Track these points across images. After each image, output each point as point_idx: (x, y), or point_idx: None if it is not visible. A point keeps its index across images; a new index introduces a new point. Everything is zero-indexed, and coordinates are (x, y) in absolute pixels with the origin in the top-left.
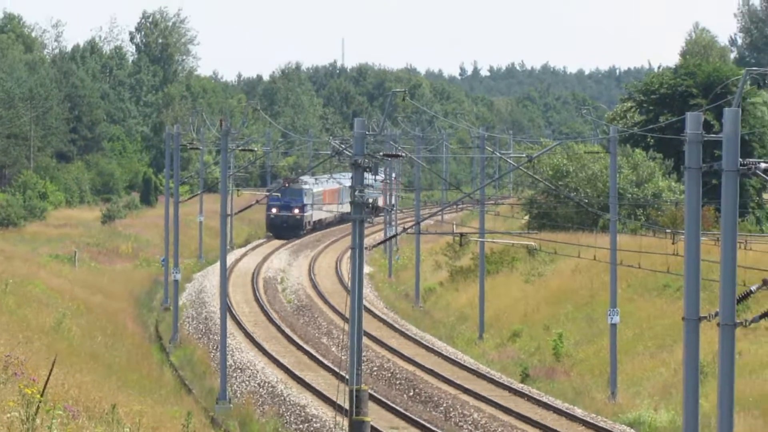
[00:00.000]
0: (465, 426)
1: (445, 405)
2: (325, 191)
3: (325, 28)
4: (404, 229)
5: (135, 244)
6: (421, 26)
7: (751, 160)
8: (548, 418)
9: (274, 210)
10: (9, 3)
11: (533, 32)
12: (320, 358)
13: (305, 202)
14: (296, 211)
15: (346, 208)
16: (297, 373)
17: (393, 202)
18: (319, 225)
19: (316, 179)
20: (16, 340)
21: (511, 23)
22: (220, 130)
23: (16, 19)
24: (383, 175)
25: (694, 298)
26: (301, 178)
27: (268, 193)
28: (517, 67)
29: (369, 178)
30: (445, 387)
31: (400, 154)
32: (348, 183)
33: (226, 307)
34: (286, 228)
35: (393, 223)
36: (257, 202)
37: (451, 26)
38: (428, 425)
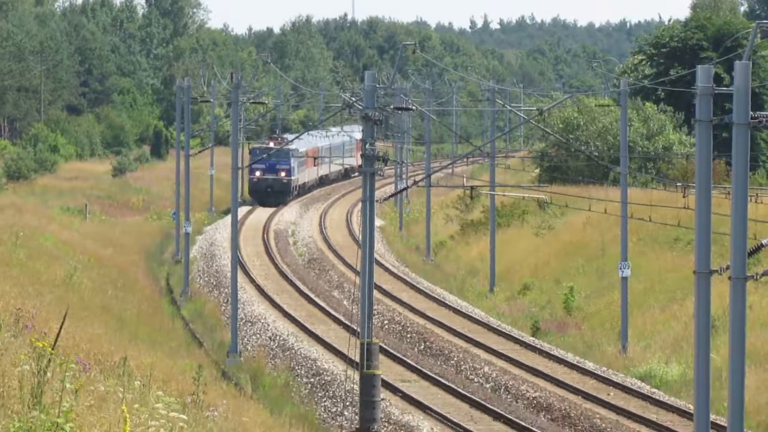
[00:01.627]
0: (476, 379)
1: (456, 358)
2: (307, 150)
3: None
4: (415, 182)
5: (146, 197)
6: None
7: (762, 113)
8: (559, 372)
9: (257, 173)
10: None
11: None
12: (331, 311)
13: (292, 164)
14: (283, 174)
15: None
16: (308, 326)
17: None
18: (303, 188)
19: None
20: (27, 293)
21: None
22: (231, 83)
23: None
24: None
25: (705, 251)
26: (284, 135)
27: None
28: (528, 20)
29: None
30: (455, 340)
31: (410, 107)
32: (336, 138)
33: (237, 261)
34: (270, 193)
35: (404, 176)
36: (276, 149)
37: None
38: (439, 378)
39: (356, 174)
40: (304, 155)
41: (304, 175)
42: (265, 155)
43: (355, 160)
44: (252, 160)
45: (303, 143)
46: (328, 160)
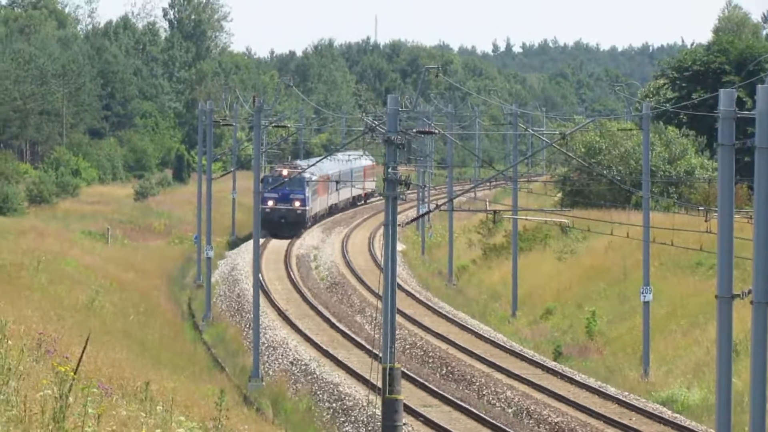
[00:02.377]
0: (498, 404)
1: (478, 383)
2: (320, 178)
3: (358, 4)
4: (437, 206)
5: (167, 221)
6: (454, 3)
7: None
8: (581, 396)
9: (270, 203)
10: None
11: (566, 9)
12: (353, 336)
13: (307, 194)
14: (297, 204)
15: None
16: (330, 351)
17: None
18: (315, 219)
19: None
20: (49, 317)
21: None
22: (253, 106)
23: None
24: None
25: (727, 275)
26: (297, 162)
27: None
28: (550, 44)
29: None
30: (478, 365)
31: (433, 131)
32: (351, 163)
33: (259, 285)
34: (284, 225)
35: (426, 200)
36: (290, 178)
37: (483, 3)
38: (461, 403)
39: (362, 203)
40: (317, 183)
41: (317, 204)
42: (278, 183)
43: (363, 188)
44: (263, 189)
45: (315, 169)
46: (337, 188)
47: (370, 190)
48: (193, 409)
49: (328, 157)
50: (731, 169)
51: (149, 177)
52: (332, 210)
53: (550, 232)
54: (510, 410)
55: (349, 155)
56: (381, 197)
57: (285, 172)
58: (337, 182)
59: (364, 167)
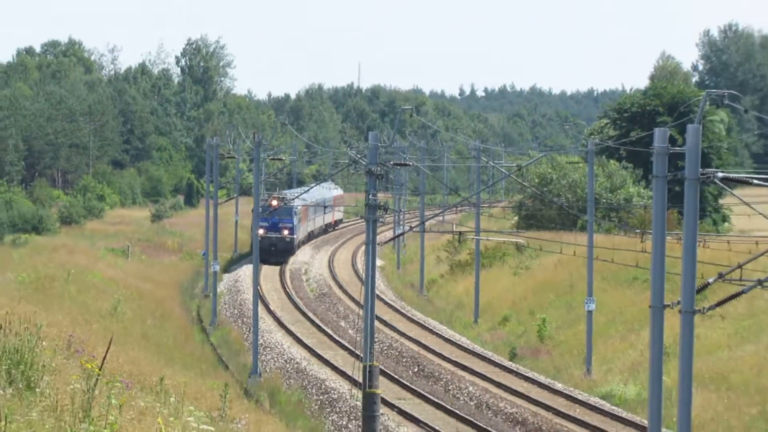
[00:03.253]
0: (461, 397)
1: (445, 379)
2: (302, 207)
3: (343, 53)
4: (411, 228)
5: (179, 239)
6: (427, 52)
7: (709, 170)
8: (533, 392)
9: (260, 231)
10: (72, 30)
11: (522, 57)
12: (338, 338)
13: (295, 223)
14: (286, 232)
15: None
16: (318, 351)
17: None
18: (299, 245)
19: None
20: (77, 322)
21: (503, 50)
22: (253, 141)
23: (77, 44)
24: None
25: (659, 288)
26: (331, 187)
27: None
28: (509, 89)
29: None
30: (445, 364)
31: (407, 163)
32: (324, 193)
33: (258, 295)
34: (274, 252)
35: (401, 222)
36: (286, 203)
37: (452, 53)
38: (430, 396)
39: (332, 229)
40: (300, 212)
41: (300, 232)
42: (267, 213)
43: (332, 216)
44: (254, 221)
45: (298, 200)
46: (314, 216)
47: (336, 220)
48: (201, 400)
49: (307, 188)
50: (664, 198)
51: (164, 202)
52: (310, 236)
53: (507, 251)
54: (472, 403)
55: (322, 186)
56: (346, 222)
57: (275, 202)
58: (325, 207)
59: (334, 196)
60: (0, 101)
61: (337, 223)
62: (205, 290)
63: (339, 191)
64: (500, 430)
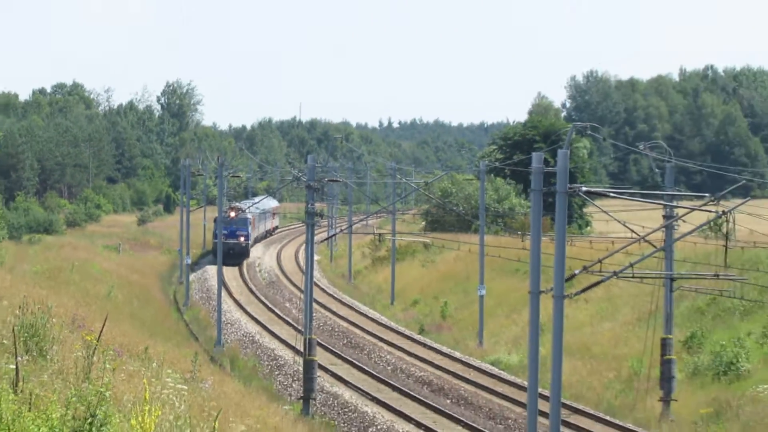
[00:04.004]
0: (381, 363)
1: (368, 349)
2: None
3: (288, 93)
4: (341, 230)
5: (160, 239)
6: (353, 92)
7: (575, 185)
8: (437, 359)
9: (222, 238)
10: (76, 74)
11: (428, 96)
12: (284, 316)
13: (249, 231)
14: (242, 239)
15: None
16: (268, 327)
17: (333, 212)
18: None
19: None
20: (80, 303)
21: (414, 89)
22: (218, 163)
23: (79, 86)
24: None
25: (536, 278)
26: (237, 204)
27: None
28: (417, 121)
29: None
30: (368, 337)
31: (338, 179)
32: (266, 204)
33: (222, 282)
34: (232, 255)
35: (333, 226)
36: (242, 211)
37: (373, 92)
38: (356, 362)
39: (271, 234)
40: (251, 221)
41: (252, 237)
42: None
43: (272, 223)
44: (215, 227)
45: (250, 210)
46: (259, 223)
47: (274, 226)
48: (177, 365)
49: (255, 200)
50: (540, 207)
51: (147, 209)
52: (256, 240)
53: (417, 248)
54: (389, 367)
55: (265, 197)
56: (287, 227)
57: (233, 213)
58: (274, 213)
59: (273, 207)
60: (19, 130)
61: (275, 229)
62: (180, 279)
63: (276, 203)
64: (411, 389)
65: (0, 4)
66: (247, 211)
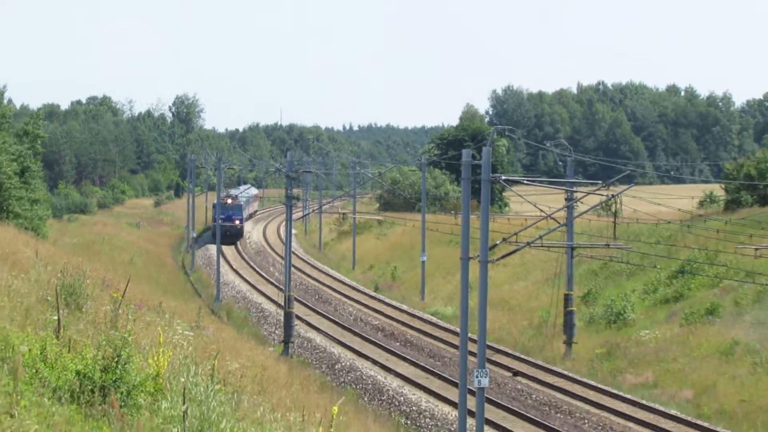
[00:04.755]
0: (344, 314)
1: (334, 303)
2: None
3: (272, 102)
4: (313, 210)
5: (171, 217)
6: (323, 101)
7: (496, 174)
8: (388, 309)
9: (220, 221)
10: (105, 88)
11: (380, 103)
12: (269, 278)
13: (243, 215)
14: (237, 222)
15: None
16: (257, 286)
17: (307, 196)
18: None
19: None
20: (108, 268)
21: (370, 98)
22: (216, 158)
23: (108, 98)
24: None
25: (466, 247)
26: (248, 188)
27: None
28: (373, 125)
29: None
30: (334, 294)
31: (311, 171)
32: (251, 191)
33: (220, 252)
34: (229, 236)
35: (307, 207)
36: (236, 196)
37: (337, 100)
38: (325, 314)
39: (252, 216)
40: (244, 207)
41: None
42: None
43: (253, 208)
44: (215, 212)
45: (242, 197)
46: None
47: (255, 210)
48: (185, 316)
49: (243, 188)
50: (468, 192)
51: (161, 194)
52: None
53: (372, 225)
54: (351, 317)
55: (248, 186)
56: (267, 208)
57: (229, 201)
58: (256, 199)
59: (255, 194)
60: (60, 133)
61: (255, 212)
62: (187, 248)
63: (256, 191)
64: (368, 334)
65: (46, 36)
66: (238, 197)
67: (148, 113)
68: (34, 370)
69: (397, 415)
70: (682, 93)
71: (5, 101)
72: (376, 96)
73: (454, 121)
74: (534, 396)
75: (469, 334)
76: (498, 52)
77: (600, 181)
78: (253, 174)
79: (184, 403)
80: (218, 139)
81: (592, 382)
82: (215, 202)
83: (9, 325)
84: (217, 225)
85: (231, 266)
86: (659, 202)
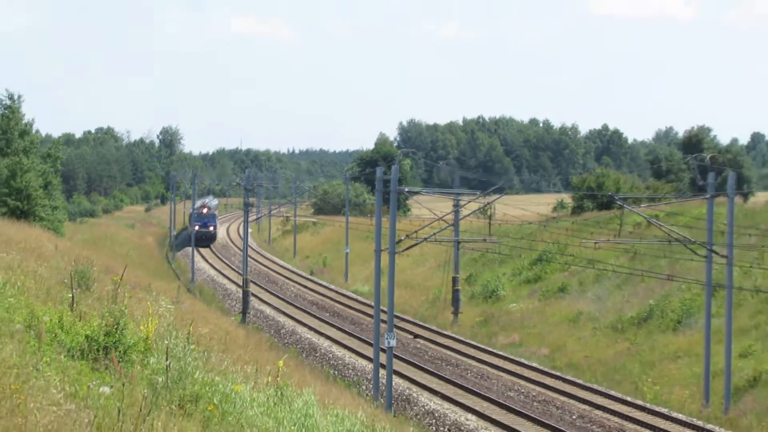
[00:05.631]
0: (288, 291)
1: (280, 283)
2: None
3: (234, 129)
4: (264, 215)
5: (158, 220)
6: (273, 129)
7: (401, 187)
8: (319, 288)
9: (197, 227)
10: (109, 120)
11: (316, 131)
12: (231, 265)
13: (216, 223)
14: (211, 228)
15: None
16: (222, 271)
17: (261, 204)
18: None
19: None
20: (110, 258)
21: (307, 127)
22: (191, 176)
23: (111, 129)
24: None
25: (378, 241)
26: (212, 199)
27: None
28: (310, 149)
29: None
30: (280, 277)
31: (263, 185)
32: (213, 202)
33: (194, 247)
34: (205, 239)
35: (260, 212)
36: (203, 204)
37: (281, 129)
38: (273, 292)
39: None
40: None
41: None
42: (198, 216)
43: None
44: (192, 219)
45: (210, 205)
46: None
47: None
48: (167, 294)
49: (208, 199)
50: (380, 200)
51: (151, 202)
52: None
53: (309, 225)
54: (293, 294)
55: (211, 198)
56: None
57: (205, 210)
58: (225, 204)
59: (216, 204)
60: (75, 156)
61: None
62: (170, 244)
63: (216, 201)
64: (306, 307)
65: (67, 81)
66: (207, 206)
67: (141, 140)
68: (54, 335)
69: (328, 367)
70: (541, 124)
71: (34, 131)
72: (312, 125)
73: (371, 146)
74: (430, 353)
75: (381, 307)
76: (404, 93)
77: (479, 192)
78: (219, 187)
79: (167, 359)
80: (194, 160)
81: (473, 342)
82: (191, 212)
83: (35, 300)
84: (192, 229)
85: (202, 256)
86: (523, 207)
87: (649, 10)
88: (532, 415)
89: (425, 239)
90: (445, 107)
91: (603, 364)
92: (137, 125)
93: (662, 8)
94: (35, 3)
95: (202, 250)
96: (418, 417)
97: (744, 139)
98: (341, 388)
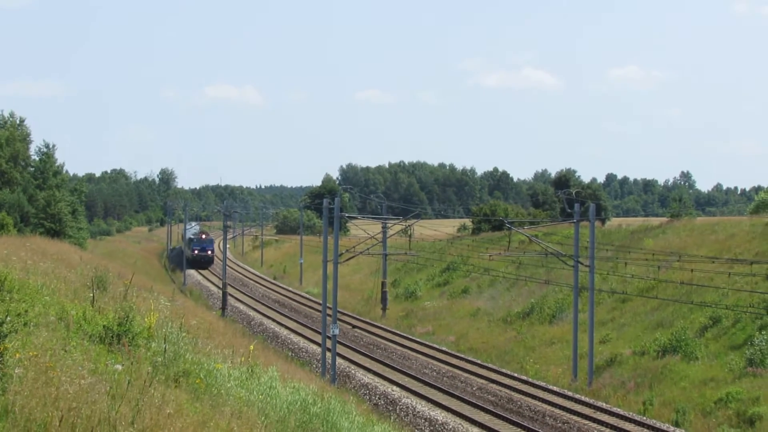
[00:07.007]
0: (257, 292)
1: (251, 286)
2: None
3: (215, 170)
4: (239, 234)
5: (158, 237)
6: (243, 166)
7: (342, 213)
8: (281, 291)
9: (195, 251)
10: (122, 162)
11: (279, 170)
12: (215, 273)
13: (213, 247)
14: (209, 252)
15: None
16: (208, 278)
17: (236, 226)
18: None
19: (191, 226)
20: (122, 266)
21: (271, 167)
22: (184, 205)
23: (122, 170)
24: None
25: (325, 254)
26: (195, 225)
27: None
28: (273, 185)
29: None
30: (251, 282)
31: (237, 211)
32: (199, 227)
33: (186, 260)
34: (203, 263)
35: (235, 232)
36: (202, 231)
37: (252, 168)
38: (246, 293)
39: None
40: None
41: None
42: (197, 242)
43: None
44: (192, 245)
45: (194, 232)
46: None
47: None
48: (165, 294)
49: (195, 226)
50: (327, 223)
51: (153, 224)
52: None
53: (272, 241)
54: (260, 294)
55: (197, 224)
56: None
57: (203, 236)
58: (208, 227)
59: (199, 230)
60: (95, 190)
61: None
62: (167, 255)
63: (198, 226)
64: (270, 304)
65: (89, 133)
66: (205, 232)
67: (145, 178)
68: (79, 325)
69: (287, 350)
70: (447, 167)
71: (64, 171)
72: (274, 166)
73: (319, 182)
74: (365, 339)
75: (327, 304)
76: (344, 142)
77: (401, 217)
78: (204, 213)
79: (165, 344)
80: (185, 193)
81: (398, 331)
82: (189, 236)
83: (65, 299)
84: (184, 250)
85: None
86: (435, 229)
87: (525, 83)
88: (443, 387)
89: (361, 253)
90: (374, 154)
91: (496, 348)
92: (142, 167)
93: (536, 80)
94: (70, 76)
95: (188, 260)
96: (356, 388)
97: (601, 178)
98: (297, 366)
